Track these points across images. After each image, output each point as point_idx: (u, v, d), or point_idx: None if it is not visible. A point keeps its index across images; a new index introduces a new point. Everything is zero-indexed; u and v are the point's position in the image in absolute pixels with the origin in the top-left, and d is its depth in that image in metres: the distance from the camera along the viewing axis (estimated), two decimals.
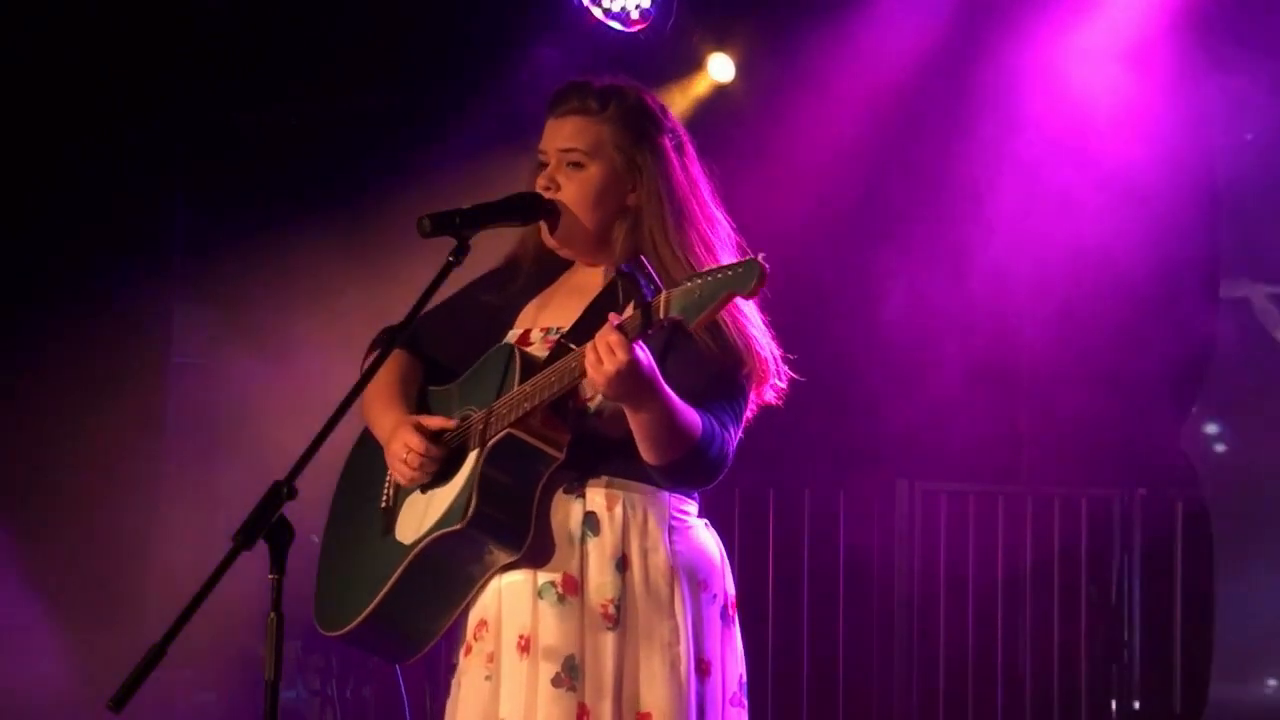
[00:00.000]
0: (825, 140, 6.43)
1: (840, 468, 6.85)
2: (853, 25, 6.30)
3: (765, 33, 6.56)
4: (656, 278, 2.88)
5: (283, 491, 2.69)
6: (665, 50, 6.38)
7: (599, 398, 3.08)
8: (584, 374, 2.93)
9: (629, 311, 2.92)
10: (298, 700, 6.32)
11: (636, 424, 2.97)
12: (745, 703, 3.19)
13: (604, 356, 2.87)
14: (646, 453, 3.00)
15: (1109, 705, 6.69)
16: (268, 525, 2.67)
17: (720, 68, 6.59)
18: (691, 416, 2.99)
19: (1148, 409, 6.67)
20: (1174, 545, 6.67)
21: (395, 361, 3.27)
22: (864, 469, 6.85)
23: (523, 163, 3.31)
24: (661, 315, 2.84)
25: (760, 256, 2.79)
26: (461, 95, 6.44)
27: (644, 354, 2.90)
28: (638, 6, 6.28)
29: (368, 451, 3.32)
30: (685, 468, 3.03)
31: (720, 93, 6.61)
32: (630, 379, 2.88)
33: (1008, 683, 6.76)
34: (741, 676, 3.20)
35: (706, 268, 2.97)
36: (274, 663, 2.64)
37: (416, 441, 3.12)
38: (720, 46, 6.58)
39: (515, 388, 3.04)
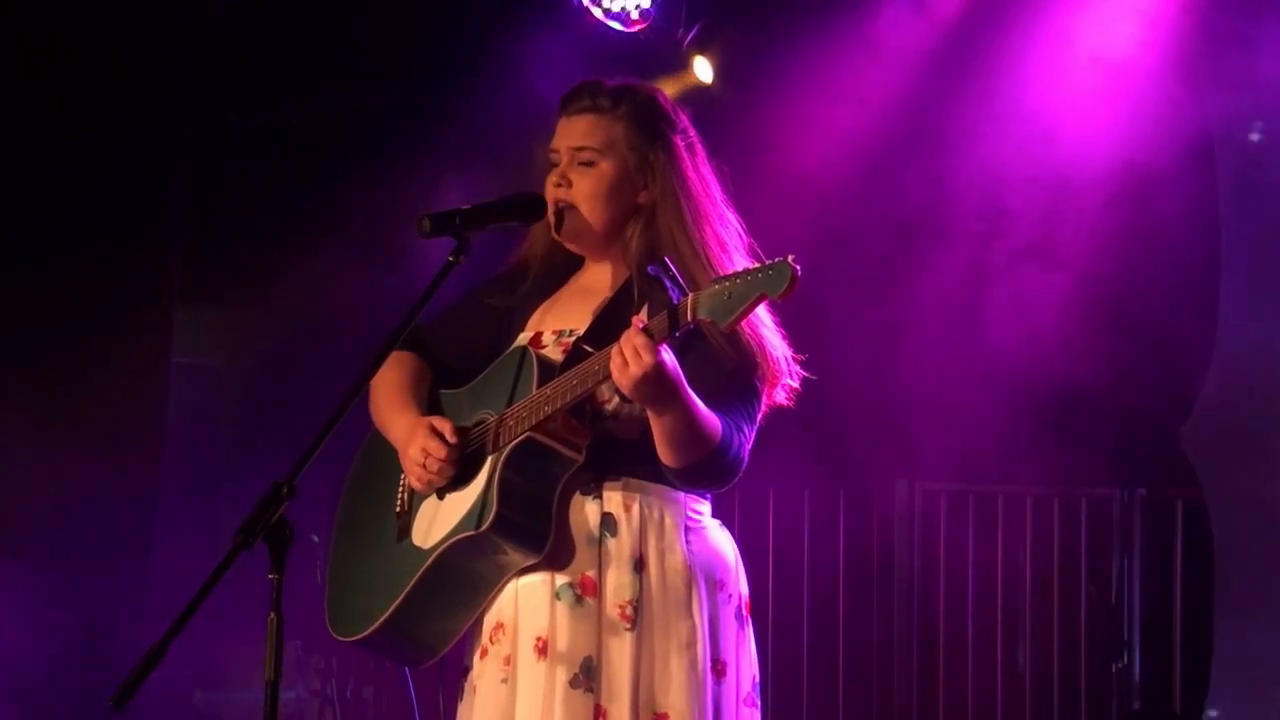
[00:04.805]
0: (824, 140, 6.42)
1: (840, 468, 6.84)
2: (843, 30, 6.31)
3: (758, 35, 6.56)
4: (681, 279, 2.87)
5: (283, 491, 2.68)
6: (666, 50, 6.38)
7: (616, 400, 3.08)
8: (607, 377, 2.92)
9: (644, 313, 2.92)
10: (298, 700, 6.32)
11: (658, 426, 2.97)
12: (758, 703, 3.20)
13: (630, 360, 2.86)
14: (666, 455, 3.00)
15: (1109, 705, 6.68)
16: (267, 525, 2.67)
17: (703, 70, 6.56)
18: (711, 419, 2.99)
19: (1148, 409, 6.67)
20: (1174, 545, 6.67)
21: (406, 365, 3.27)
22: (864, 469, 6.84)
23: (523, 162, 3.31)
24: (689, 318, 2.84)
25: (790, 258, 2.77)
26: (461, 95, 6.43)
27: (669, 357, 2.89)
28: (638, 6, 6.27)
29: (377, 455, 3.31)
30: (703, 470, 3.04)
31: (717, 94, 6.60)
32: (656, 382, 2.87)
33: (1008, 683, 6.76)
34: (754, 677, 3.20)
35: (728, 269, 2.98)
36: (274, 662, 2.64)
37: (435, 446, 3.11)
38: (702, 50, 6.54)
39: (534, 391, 3.04)
